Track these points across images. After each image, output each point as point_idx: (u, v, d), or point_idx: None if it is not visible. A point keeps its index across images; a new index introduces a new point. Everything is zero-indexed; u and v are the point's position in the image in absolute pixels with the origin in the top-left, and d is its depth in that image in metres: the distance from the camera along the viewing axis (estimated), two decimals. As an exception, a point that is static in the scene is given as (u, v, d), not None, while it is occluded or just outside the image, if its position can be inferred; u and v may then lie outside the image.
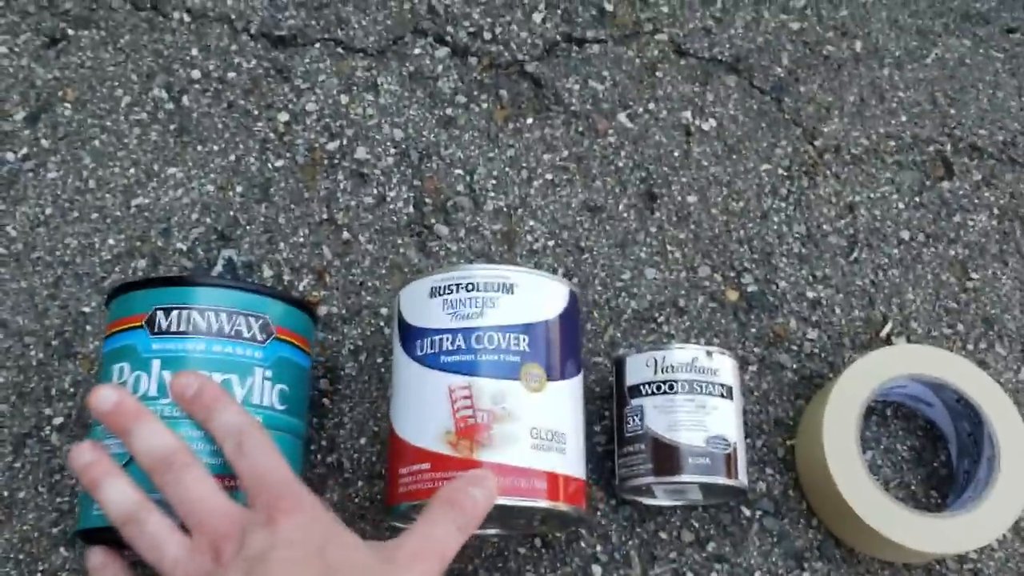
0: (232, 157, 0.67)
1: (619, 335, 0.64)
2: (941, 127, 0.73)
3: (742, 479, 0.55)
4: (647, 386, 0.56)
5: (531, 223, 0.67)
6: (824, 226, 0.69)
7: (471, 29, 0.74)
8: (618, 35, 0.75)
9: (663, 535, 0.58)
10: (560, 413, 0.50)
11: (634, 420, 0.56)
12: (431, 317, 0.51)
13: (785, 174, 0.70)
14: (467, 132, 0.70)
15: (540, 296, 0.51)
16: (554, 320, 0.52)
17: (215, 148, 0.68)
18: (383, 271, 0.64)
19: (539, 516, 0.51)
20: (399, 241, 0.66)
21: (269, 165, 0.67)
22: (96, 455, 0.45)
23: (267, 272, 0.64)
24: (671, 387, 0.55)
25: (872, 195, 0.70)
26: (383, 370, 0.61)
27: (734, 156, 0.71)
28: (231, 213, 0.66)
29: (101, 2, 0.72)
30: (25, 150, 0.67)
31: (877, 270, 0.67)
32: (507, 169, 0.69)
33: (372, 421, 0.60)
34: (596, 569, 0.57)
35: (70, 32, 0.71)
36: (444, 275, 0.51)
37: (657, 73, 0.73)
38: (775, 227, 0.68)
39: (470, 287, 0.51)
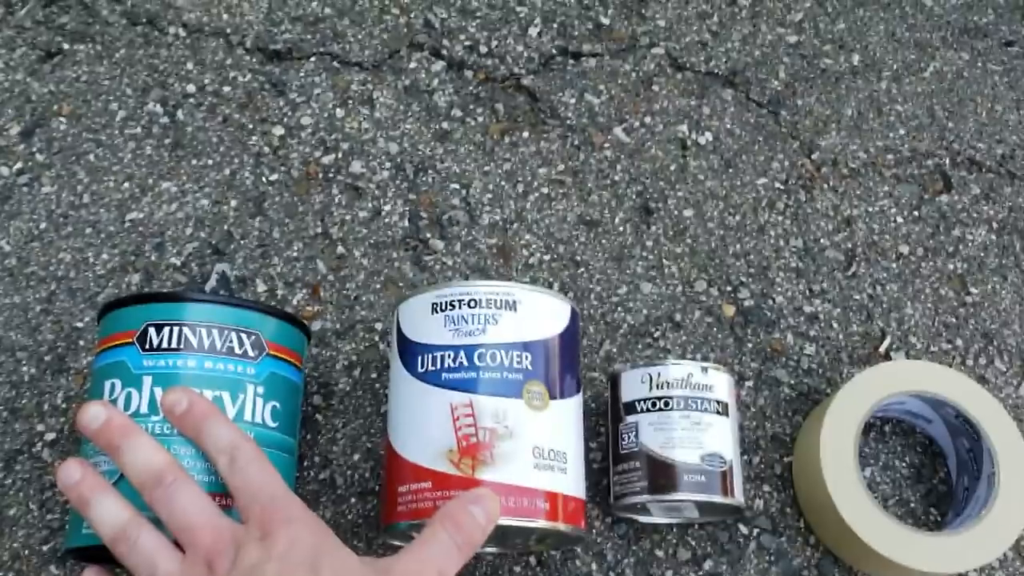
0: (227, 171, 0.67)
1: (615, 350, 0.63)
2: (939, 140, 0.73)
3: (738, 497, 0.54)
4: (642, 403, 0.55)
5: (527, 237, 0.66)
6: (822, 240, 0.68)
7: (467, 43, 0.74)
8: (614, 49, 0.74)
9: (659, 553, 0.57)
10: (561, 432, 0.50)
11: (629, 437, 0.55)
12: (432, 333, 0.50)
13: (782, 188, 0.70)
14: (463, 146, 0.70)
15: (543, 313, 0.51)
16: (556, 338, 0.51)
17: (209, 162, 0.68)
18: (378, 286, 0.64)
19: (537, 535, 0.50)
20: (394, 255, 0.65)
21: (263, 179, 0.67)
22: (84, 472, 0.45)
23: (261, 286, 0.63)
24: (666, 404, 0.54)
25: (870, 209, 0.70)
26: (377, 386, 0.61)
27: (731, 170, 0.70)
28: (225, 227, 0.65)
29: (97, 17, 0.72)
30: (20, 164, 0.67)
31: (875, 285, 0.67)
32: (503, 183, 0.68)
33: (366, 437, 0.59)
34: (591, 587, 0.56)
35: (65, 46, 0.71)
36: (446, 291, 0.51)
37: (653, 87, 0.73)
38: (772, 241, 0.68)
39: (472, 303, 0.50)
